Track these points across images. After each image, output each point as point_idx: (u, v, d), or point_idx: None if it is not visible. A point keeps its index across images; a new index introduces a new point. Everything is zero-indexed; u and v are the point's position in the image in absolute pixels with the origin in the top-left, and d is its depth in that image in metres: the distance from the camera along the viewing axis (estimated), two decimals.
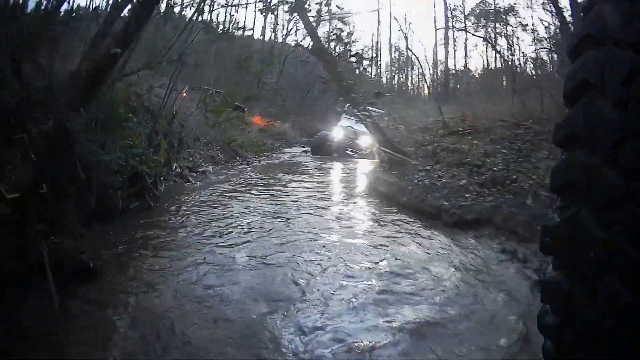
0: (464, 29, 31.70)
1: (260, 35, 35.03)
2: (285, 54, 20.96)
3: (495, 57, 31.23)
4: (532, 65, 21.47)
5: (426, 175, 7.21)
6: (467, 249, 4.82)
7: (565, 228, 1.46)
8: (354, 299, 3.34)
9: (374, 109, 13.68)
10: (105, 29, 4.87)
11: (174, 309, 3.00)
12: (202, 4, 5.35)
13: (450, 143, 8.53)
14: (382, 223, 5.82)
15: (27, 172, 3.77)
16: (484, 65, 31.48)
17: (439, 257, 4.50)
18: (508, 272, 4.21)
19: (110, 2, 5.19)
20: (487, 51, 32.83)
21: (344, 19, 11.07)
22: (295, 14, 10.86)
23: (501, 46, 31.32)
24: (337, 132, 15.45)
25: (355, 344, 2.65)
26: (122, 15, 5.00)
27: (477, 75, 32.12)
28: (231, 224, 5.21)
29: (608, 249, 1.31)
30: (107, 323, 2.77)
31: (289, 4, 9.23)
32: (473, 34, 31.24)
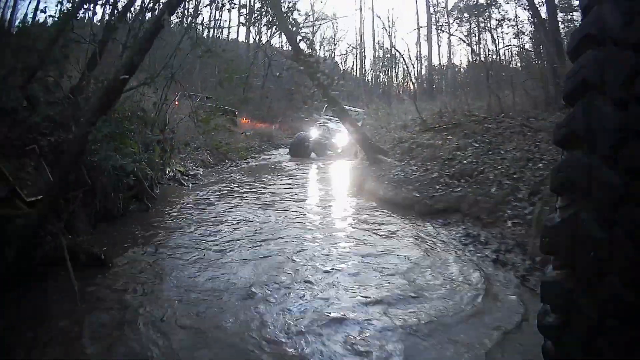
0: (441, 28, 32.18)
1: (245, 38, 35.50)
2: (269, 57, 21.35)
3: (479, 51, 31.92)
4: (517, 58, 22.15)
5: (401, 170, 7.79)
6: (436, 234, 5.40)
7: (565, 228, 1.47)
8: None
9: (354, 108, 14.22)
10: (101, 48, 5.40)
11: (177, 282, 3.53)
12: (191, 23, 5.81)
13: (425, 139, 9.11)
14: (359, 214, 6.41)
15: (41, 178, 4.29)
16: (468, 60, 32.03)
17: (410, 241, 5.06)
18: (469, 252, 4.78)
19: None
20: (471, 45, 33.50)
21: (313, 44, 11.56)
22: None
23: (479, 43, 32.00)
24: (314, 133, 15.46)
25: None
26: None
27: (462, 70, 32.66)
28: (224, 221, 5.72)
29: (608, 249, 1.33)
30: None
31: (269, 20, 9.77)
32: (451, 34, 31.75)
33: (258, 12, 9.99)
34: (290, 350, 2.71)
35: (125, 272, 3.88)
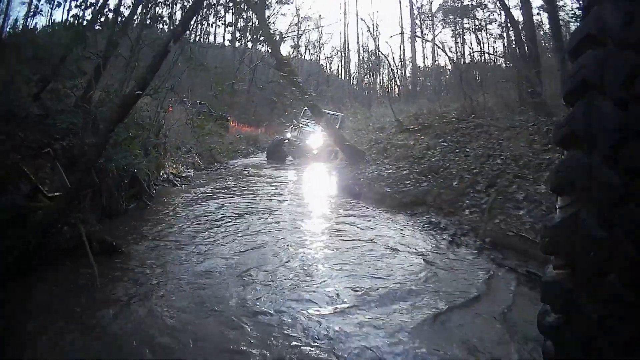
0: (420, 36, 32.83)
1: (229, 42, 36.05)
2: (253, 68, 21.93)
3: (463, 53, 32.75)
4: (503, 59, 22.83)
5: (376, 169, 8.56)
6: (403, 222, 6.15)
7: (565, 228, 1.47)
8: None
9: (332, 112, 14.92)
10: (104, 62, 6.07)
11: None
12: (186, 40, 6.52)
13: (399, 140, 9.90)
14: (337, 206, 7.17)
15: (57, 178, 4.93)
16: (452, 61, 32.71)
17: (380, 230, 5.80)
18: (428, 236, 5.54)
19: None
20: (456, 47, 34.34)
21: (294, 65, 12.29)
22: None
23: (464, 44, 32.87)
24: (289, 136, 15.40)
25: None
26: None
27: (448, 71, 33.20)
28: (215, 217, 6.38)
29: (608, 249, 1.32)
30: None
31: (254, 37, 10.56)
32: (428, 41, 32.44)
33: (242, 32, 10.74)
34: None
35: (134, 258, 4.53)
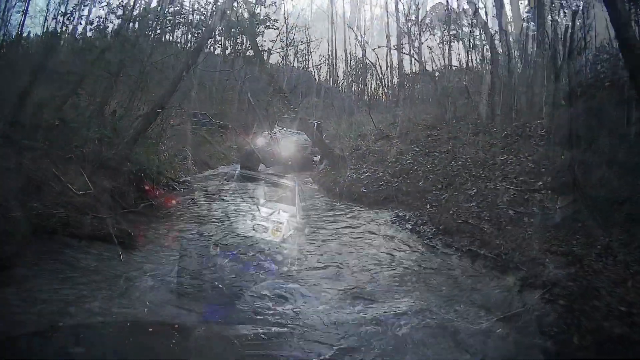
0: (406, 53, 33.23)
1: (222, 50, 36.61)
2: (243, 83, 22.61)
3: (451, 58, 33.24)
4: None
5: (354, 172, 9.55)
6: (374, 216, 7.17)
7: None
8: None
9: (309, 120, 15.50)
10: (115, 79, 7.04)
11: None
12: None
13: (377, 147, 10.88)
14: (319, 204, 8.21)
15: (81, 180, 5.89)
16: (441, 67, 33.21)
17: (353, 222, 6.82)
18: (394, 226, 6.56)
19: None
20: (443, 53, 34.89)
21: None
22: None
23: (451, 50, 33.35)
24: (260, 144, 13.99)
25: None
26: None
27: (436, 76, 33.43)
28: (212, 214, 7.32)
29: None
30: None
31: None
32: (408, 54, 32.94)
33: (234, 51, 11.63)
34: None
35: (146, 242, 5.47)
